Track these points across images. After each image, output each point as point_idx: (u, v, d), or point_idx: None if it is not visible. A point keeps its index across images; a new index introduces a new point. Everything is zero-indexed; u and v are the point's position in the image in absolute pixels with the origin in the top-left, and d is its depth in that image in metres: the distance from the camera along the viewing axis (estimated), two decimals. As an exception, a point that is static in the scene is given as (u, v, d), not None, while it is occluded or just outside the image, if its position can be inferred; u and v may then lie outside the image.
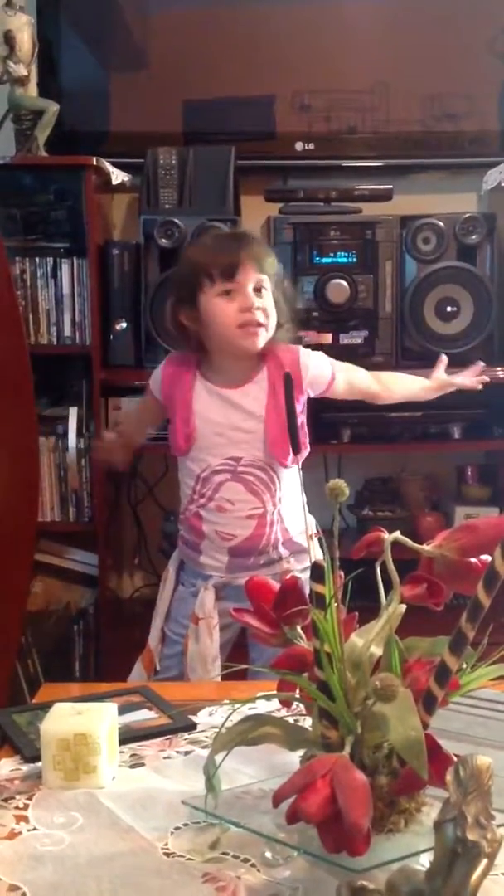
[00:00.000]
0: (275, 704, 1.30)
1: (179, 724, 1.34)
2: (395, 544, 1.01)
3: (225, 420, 2.00)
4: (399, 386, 2.22)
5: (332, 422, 2.79)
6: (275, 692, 1.12)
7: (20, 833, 1.06)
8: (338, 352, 2.73)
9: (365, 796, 0.89)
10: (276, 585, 1.12)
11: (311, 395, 2.09)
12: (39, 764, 1.19)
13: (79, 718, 1.19)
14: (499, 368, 2.75)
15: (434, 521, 2.85)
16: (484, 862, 0.79)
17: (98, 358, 2.70)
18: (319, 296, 2.73)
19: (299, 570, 2.01)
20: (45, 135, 2.73)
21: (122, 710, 1.33)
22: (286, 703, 1.19)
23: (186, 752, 1.26)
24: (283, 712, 1.26)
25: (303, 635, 1.09)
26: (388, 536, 1.01)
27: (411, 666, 1.01)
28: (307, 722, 1.10)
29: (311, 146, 3.00)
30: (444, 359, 2.25)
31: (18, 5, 2.72)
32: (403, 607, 1.02)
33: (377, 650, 1.01)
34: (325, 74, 3.00)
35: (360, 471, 2.99)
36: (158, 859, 1.00)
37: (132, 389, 2.70)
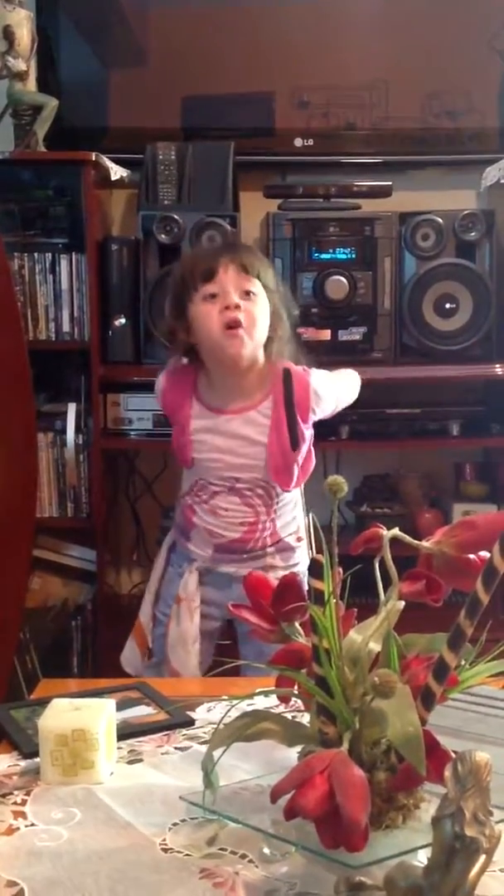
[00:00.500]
0: (273, 700, 1.30)
1: (177, 720, 1.34)
2: (394, 541, 1.01)
3: (224, 446, 1.99)
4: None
5: (331, 418, 2.79)
6: (273, 688, 1.12)
7: (18, 829, 1.06)
8: (336, 348, 2.75)
9: (363, 792, 0.89)
10: (274, 581, 1.12)
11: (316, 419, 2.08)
12: (37, 760, 1.19)
13: (77, 714, 1.19)
14: (497, 365, 2.75)
15: (432, 518, 2.85)
16: (482, 858, 0.79)
17: (97, 354, 2.69)
18: (318, 292, 2.73)
19: (283, 566, 2.04)
20: (45, 130, 2.73)
21: (120, 706, 1.33)
22: (284, 700, 1.19)
23: (184, 748, 1.26)
24: (282, 708, 1.26)
25: (301, 631, 1.09)
26: (386, 533, 1.02)
27: (410, 662, 1.01)
28: (305, 718, 1.10)
29: (311, 142, 3.00)
30: None
31: (18, 0, 2.71)
32: (402, 604, 1.02)
33: (375, 646, 1.01)
34: (325, 70, 2.99)
35: (358, 467, 2.99)
36: (156, 855, 1.00)
37: (131, 385, 2.70)
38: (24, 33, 2.71)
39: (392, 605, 1.01)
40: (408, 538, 1.02)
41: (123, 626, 2.24)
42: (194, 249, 2.19)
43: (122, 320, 2.75)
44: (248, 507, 2.02)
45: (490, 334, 2.77)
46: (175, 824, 1.06)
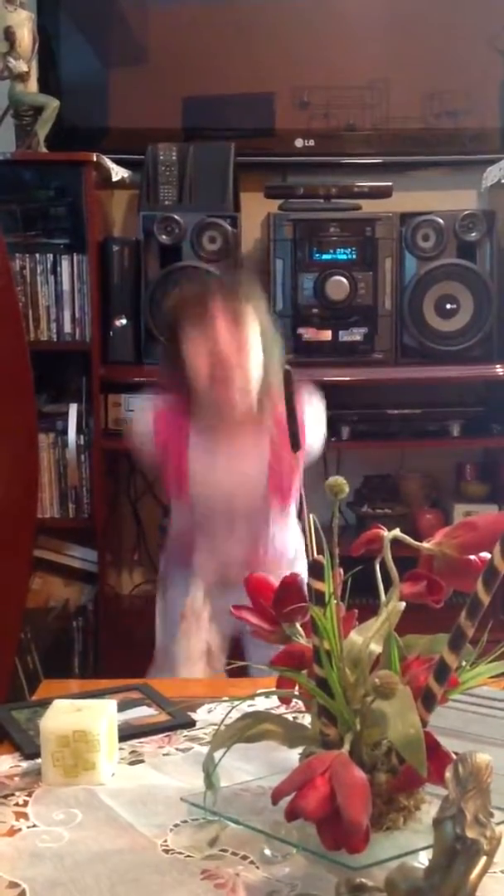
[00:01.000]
0: (274, 701, 1.30)
1: (179, 720, 1.34)
2: (395, 542, 1.01)
3: (222, 479, 1.97)
4: None
5: (332, 419, 2.77)
6: (274, 689, 1.12)
7: (20, 830, 1.06)
8: (337, 349, 2.75)
9: (364, 794, 0.89)
10: (275, 582, 1.12)
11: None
12: (39, 761, 1.19)
13: (78, 715, 1.19)
14: (498, 365, 2.75)
15: (433, 519, 2.85)
16: (483, 859, 0.79)
17: (98, 354, 2.69)
18: (319, 293, 2.73)
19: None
20: (46, 131, 2.73)
21: (122, 707, 1.33)
22: (285, 701, 1.19)
23: (185, 749, 1.26)
24: (283, 709, 1.26)
25: (302, 632, 1.09)
26: (387, 534, 1.01)
27: (410, 663, 1.01)
28: (306, 719, 1.10)
29: (311, 143, 3.00)
30: None
31: (19, 1, 2.72)
32: (403, 605, 1.02)
33: (376, 647, 1.01)
34: (325, 71, 2.99)
35: (359, 468, 2.99)
36: (157, 856, 1.00)
37: (132, 386, 2.70)
38: (26, 34, 2.71)
39: (393, 606, 1.01)
40: (409, 539, 1.02)
41: (125, 627, 2.25)
42: (187, 288, 2.14)
43: (123, 321, 2.75)
44: (249, 537, 2.00)
45: (491, 335, 2.77)
46: (176, 825, 1.06)
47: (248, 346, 1.91)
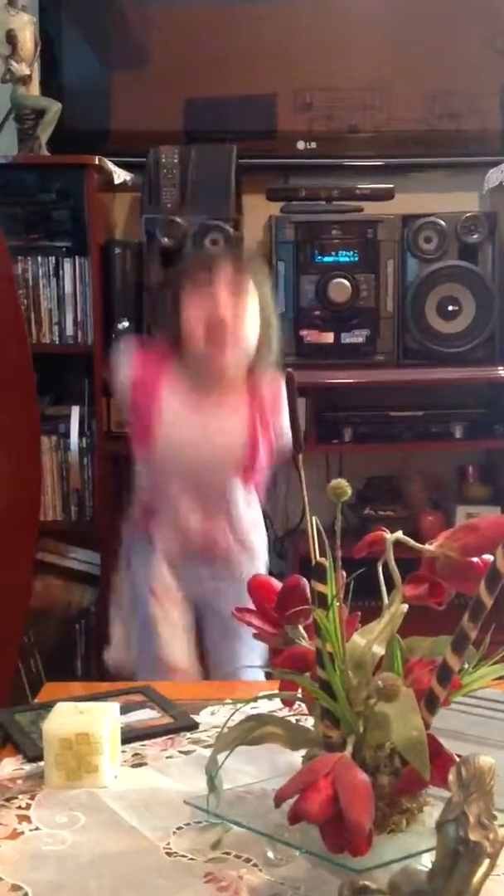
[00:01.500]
0: (277, 704, 1.30)
1: (181, 723, 1.34)
2: (397, 544, 1.01)
3: (197, 435, 1.96)
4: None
5: (334, 421, 2.79)
6: (277, 692, 1.12)
7: (22, 833, 1.06)
8: (339, 351, 2.75)
9: (367, 796, 0.89)
10: (277, 584, 1.12)
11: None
12: (42, 763, 1.19)
13: (81, 718, 1.19)
14: (500, 367, 2.75)
15: (435, 521, 2.85)
16: (486, 862, 0.79)
17: (100, 357, 2.70)
18: (321, 295, 2.73)
19: (246, 568, 2.03)
20: (47, 134, 2.74)
21: (125, 710, 1.33)
22: (288, 703, 1.19)
23: (188, 752, 1.26)
24: (286, 712, 1.26)
25: (305, 635, 1.09)
26: (389, 536, 1.01)
27: (413, 665, 1.01)
28: (309, 722, 1.10)
29: (313, 145, 3.00)
30: None
31: (20, 4, 2.73)
32: (405, 607, 1.02)
33: (379, 650, 1.01)
34: (327, 73, 3.00)
35: (361, 470, 2.99)
36: (160, 859, 1.00)
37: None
38: (27, 37, 2.72)
39: (395, 608, 1.01)
40: (411, 541, 1.02)
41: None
42: (197, 251, 2.16)
43: (126, 323, 2.75)
44: (210, 516, 2.00)
45: (493, 336, 2.77)
46: (179, 828, 1.06)
47: (246, 314, 1.93)
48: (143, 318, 2.73)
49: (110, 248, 2.78)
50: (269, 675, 1.51)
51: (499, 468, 2.98)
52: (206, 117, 3.03)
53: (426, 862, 0.88)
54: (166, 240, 2.68)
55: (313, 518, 1.04)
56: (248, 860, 0.99)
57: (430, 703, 0.95)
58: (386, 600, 1.02)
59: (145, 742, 1.29)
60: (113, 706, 1.23)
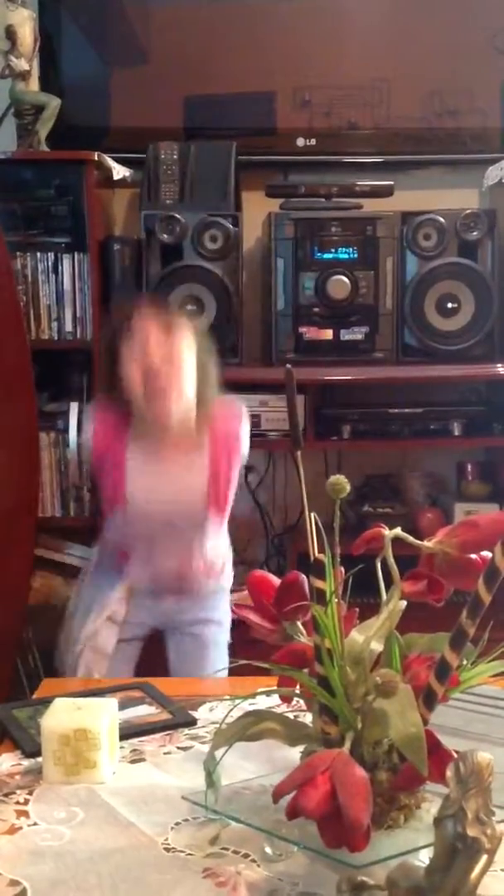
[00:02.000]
0: (275, 700, 1.30)
1: (180, 719, 1.34)
2: (396, 540, 1.01)
3: (162, 490, 1.99)
4: None
5: (333, 418, 2.79)
6: (275, 688, 1.12)
7: (21, 828, 1.06)
8: (338, 348, 2.75)
9: (365, 792, 0.89)
10: (276, 581, 1.12)
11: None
12: (40, 759, 1.19)
13: (79, 714, 1.19)
14: (499, 365, 2.75)
15: (434, 518, 2.85)
16: (484, 858, 0.79)
17: (98, 353, 2.69)
18: (320, 292, 2.73)
19: (213, 588, 2.10)
20: (47, 129, 2.73)
21: (123, 706, 1.33)
22: (286, 699, 1.19)
23: (187, 748, 1.26)
24: (284, 708, 1.26)
25: (303, 631, 1.09)
26: (388, 533, 1.02)
27: (411, 662, 1.01)
28: (307, 718, 1.11)
29: (312, 142, 3.00)
30: None
31: (20, 0, 2.72)
32: (404, 603, 1.02)
33: (377, 646, 1.01)
34: (327, 70, 2.99)
35: (360, 467, 2.99)
36: (159, 854, 1.01)
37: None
38: (27, 33, 2.71)
39: (394, 604, 1.01)
40: (410, 538, 1.02)
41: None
42: (121, 307, 2.18)
43: (125, 320, 2.75)
44: (183, 548, 2.03)
45: (492, 334, 2.77)
46: (177, 824, 1.06)
47: (180, 358, 1.94)
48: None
49: (109, 245, 2.77)
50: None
51: (497, 465, 2.98)
52: (205, 114, 3.03)
53: (424, 858, 0.89)
54: (165, 236, 2.68)
55: (312, 515, 1.04)
56: (246, 856, 0.99)
57: (428, 699, 0.95)
58: (384, 597, 1.03)
59: (143, 738, 1.29)
60: (111, 702, 1.23)
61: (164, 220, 2.68)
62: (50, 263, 2.72)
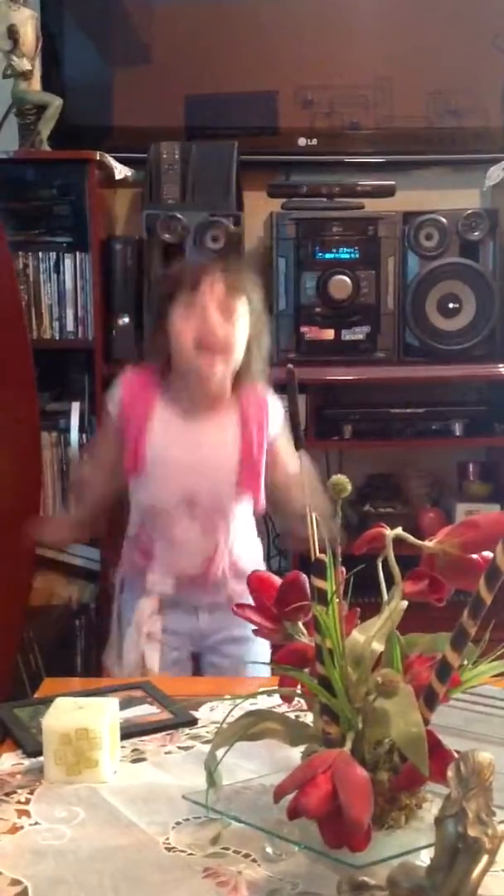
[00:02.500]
0: (276, 700, 1.30)
1: (181, 719, 1.34)
2: (397, 540, 1.01)
3: (188, 450, 1.90)
4: (296, 502, 1.87)
5: (334, 418, 2.79)
6: (276, 688, 1.12)
7: (22, 827, 1.06)
8: (340, 348, 2.75)
9: (366, 792, 0.89)
10: (277, 580, 1.12)
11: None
12: (41, 758, 1.19)
13: (80, 713, 1.19)
14: (501, 365, 2.75)
15: (435, 518, 2.85)
16: (485, 858, 0.79)
17: (100, 353, 2.69)
18: (321, 292, 2.73)
19: (243, 593, 1.97)
20: (49, 129, 2.73)
21: (124, 705, 1.33)
22: (287, 699, 1.19)
23: (187, 748, 1.26)
24: (285, 708, 1.26)
25: (304, 631, 1.09)
26: (389, 532, 1.01)
27: (412, 662, 1.01)
28: (308, 718, 1.10)
29: (314, 142, 3.00)
30: None
31: (22, -1, 2.72)
32: (405, 603, 1.02)
33: (378, 646, 1.01)
34: (328, 70, 2.99)
35: (361, 467, 2.99)
36: (159, 854, 1.01)
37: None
38: (29, 32, 2.72)
39: (395, 604, 1.01)
40: (411, 538, 1.02)
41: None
42: (189, 256, 2.07)
43: (126, 319, 2.75)
44: (207, 533, 1.92)
45: (493, 334, 2.77)
46: (178, 823, 1.06)
47: (237, 321, 1.88)
48: (143, 313, 2.72)
49: (111, 244, 2.77)
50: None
51: (499, 466, 2.98)
52: (207, 113, 3.03)
53: (425, 858, 0.89)
54: (167, 236, 2.68)
55: (313, 514, 1.04)
56: (247, 855, 0.99)
57: (429, 699, 0.95)
58: (385, 597, 1.03)
59: (144, 737, 1.29)
60: (112, 702, 1.23)
61: (166, 220, 2.68)
62: (52, 263, 2.72)
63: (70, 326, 2.73)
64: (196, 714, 1.35)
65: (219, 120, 3.02)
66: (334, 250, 2.75)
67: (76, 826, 1.06)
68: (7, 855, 1.00)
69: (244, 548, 1.98)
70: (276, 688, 1.12)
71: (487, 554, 0.97)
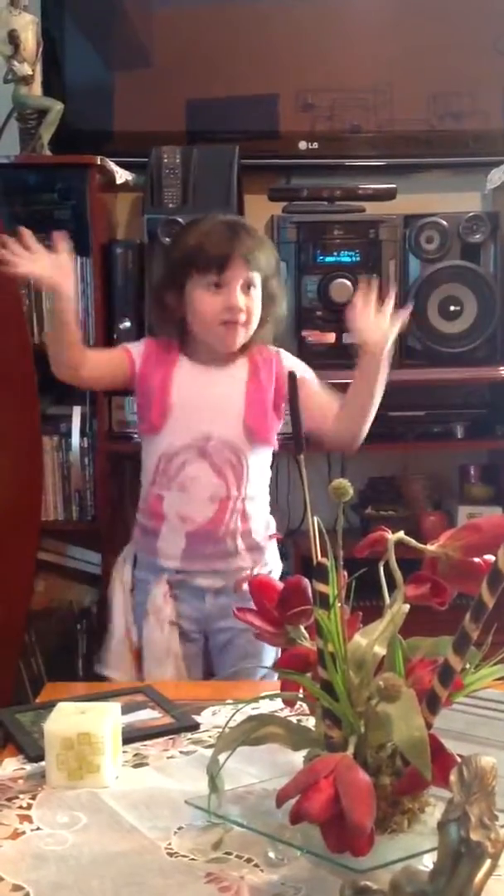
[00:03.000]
0: (278, 704, 1.30)
1: (183, 723, 1.34)
2: (399, 544, 1.01)
3: (203, 392, 1.99)
4: (348, 407, 2.11)
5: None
6: (278, 692, 1.12)
7: (24, 833, 1.06)
8: (341, 351, 2.74)
9: (368, 796, 0.89)
10: (279, 584, 1.12)
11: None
12: (43, 763, 1.19)
13: (82, 718, 1.19)
14: (502, 368, 2.75)
15: (437, 521, 2.85)
16: (488, 862, 0.79)
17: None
18: (323, 295, 2.73)
19: (251, 567, 2.01)
20: (50, 134, 2.73)
21: (126, 710, 1.33)
22: (290, 703, 1.19)
23: (190, 752, 1.26)
24: (287, 712, 1.26)
25: (306, 635, 1.09)
26: (391, 536, 1.01)
27: (415, 666, 1.01)
28: (311, 722, 1.10)
29: (315, 145, 3.00)
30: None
31: (23, 4, 2.72)
32: (407, 607, 1.02)
33: (381, 650, 1.01)
34: (329, 73, 3.00)
35: (363, 470, 2.99)
36: (162, 859, 1.00)
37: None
38: (30, 37, 2.72)
39: (397, 608, 1.01)
40: (413, 542, 1.02)
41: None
42: (203, 224, 2.05)
43: (127, 323, 2.75)
44: (218, 475, 1.97)
45: (495, 336, 2.77)
46: (180, 828, 1.06)
47: (256, 292, 1.97)
48: (144, 318, 2.72)
49: (112, 248, 2.77)
50: None
51: (501, 468, 2.97)
52: (208, 117, 3.03)
53: (428, 862, 0.88)
54: (168, 240, 2.68)
55: (315, 518, 1.04)
56: (249, 860, 0.99)
57: (432, 703, 0.95)
58: (387, 600, 1.02)
59: (146, 742, 1.29)
60: (114, 706, 1.23)
61: (167, 224, 2.68)
62: (53, 267, 2.71)
63: (71, 330, 2.73)
64: (198, 718, 1.35)
65: (219, 124, 3.02)
66: (335, 254, 2.75)
67: (78, 831, 1.06)
68: (9, 860, 1.00)
69: (255, 513, 2.02)
70: (278, 692, 1.12)
71: (489, 557, 0.97)
